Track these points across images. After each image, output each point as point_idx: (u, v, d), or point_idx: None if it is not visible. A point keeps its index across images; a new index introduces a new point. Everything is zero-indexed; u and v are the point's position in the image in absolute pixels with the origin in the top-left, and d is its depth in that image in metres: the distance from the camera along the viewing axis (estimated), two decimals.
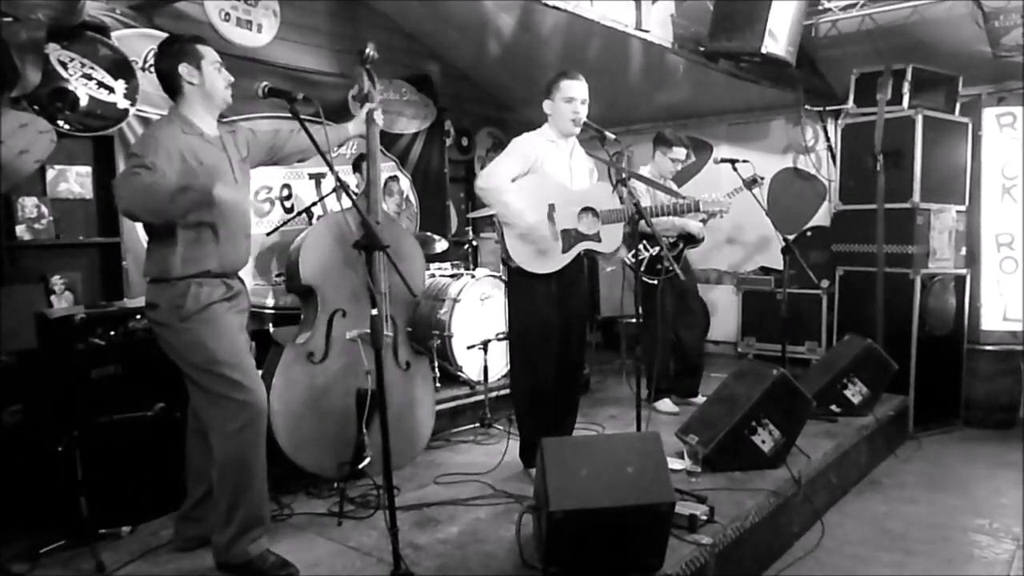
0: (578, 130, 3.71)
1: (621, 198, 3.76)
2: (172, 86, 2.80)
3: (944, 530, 3.84)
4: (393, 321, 3.58)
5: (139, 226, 4.70)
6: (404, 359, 3.72)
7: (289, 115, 3.02)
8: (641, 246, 4.86)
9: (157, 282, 2.74)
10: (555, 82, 3.69)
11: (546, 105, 3.73)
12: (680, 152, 4.97)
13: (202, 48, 2.82)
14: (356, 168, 5.51)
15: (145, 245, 2.86)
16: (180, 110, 2.81)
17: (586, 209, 3.71)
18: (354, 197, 2.85)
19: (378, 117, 3.47)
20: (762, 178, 5.00)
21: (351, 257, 3.43)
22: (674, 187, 5.00)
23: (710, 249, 6.86)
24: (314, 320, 3.45)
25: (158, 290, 2.74)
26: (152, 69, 4.82)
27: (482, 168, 7.71)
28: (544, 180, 3.64)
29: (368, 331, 3.12)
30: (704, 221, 4.95)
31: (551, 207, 3.60)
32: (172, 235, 2.69)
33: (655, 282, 4.82)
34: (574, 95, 3.65)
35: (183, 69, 2.76)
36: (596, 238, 3.73)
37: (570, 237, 3.67)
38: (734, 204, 4.96)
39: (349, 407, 3.45)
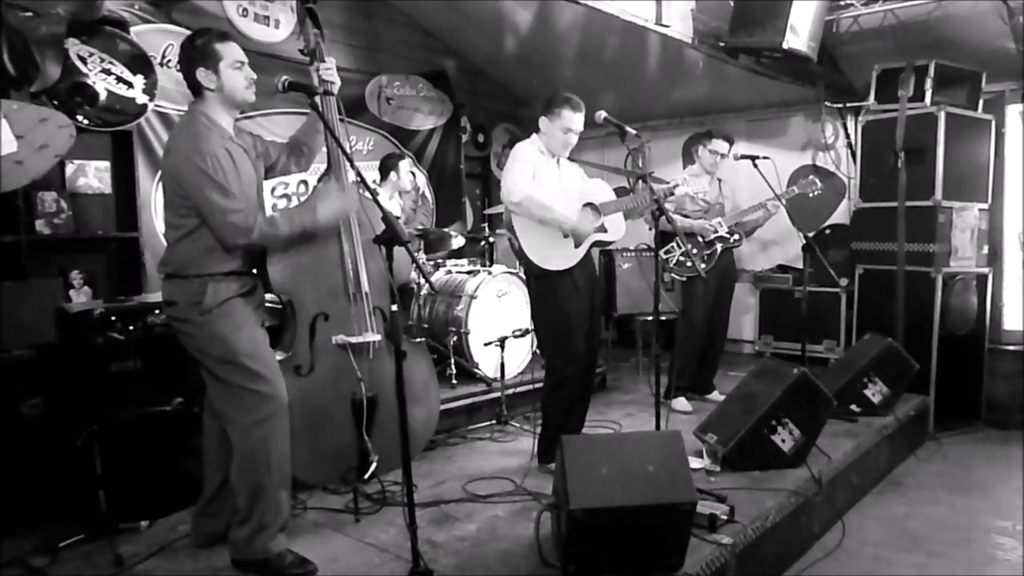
0: (566, 155, 3.80)
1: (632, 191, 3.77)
2: (192, 88, 2.76)
3: (966, 532, 3.79)
4: (381, 313, 3.28)
5: (157, 222, 4.75)
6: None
7: (306, 110, 3.01)
8: (673, 244, 4.87)
9: (173, 278, 2.74)
10: (558, 107, 3.67)
11: (542, 122, 3.73)
12: (720, 144, 4.96)
13: (221, 47, 2.73)
14: (383, 170, 5.38)
15: (163, 240, 2.86)
16: (203, 108, 2.76)
17: (586, 205, 3.78)
18: (376, 193, 2.82)
19: (330, 76, 3.14)
20: (818, 185, 4.97)
21: (323, 252, 3.13)
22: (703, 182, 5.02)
23: None
24: (294, 330, 3.14)
25: (175, 286, 2.73)
26: (170, 64, 4.89)
27: (499, 165, 7.82)
28: (544, 188, 3.65)
29: (359, 338, 3.13)
30: (735, 236, 4.99)
31: None
32: (192, 235, 2.69)
33: (684, 279, 4.87)
34: (572, 128, 3.69)
35: (200, 74, 2.71)
36: (602, 229, 3.81)
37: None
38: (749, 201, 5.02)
39: (346, 416, 3.20)
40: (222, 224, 2.65)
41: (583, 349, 3.74)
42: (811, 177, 4.93)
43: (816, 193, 4.92)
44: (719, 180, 5.12)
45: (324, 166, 3.28)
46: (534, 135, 3.79)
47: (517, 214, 3.61)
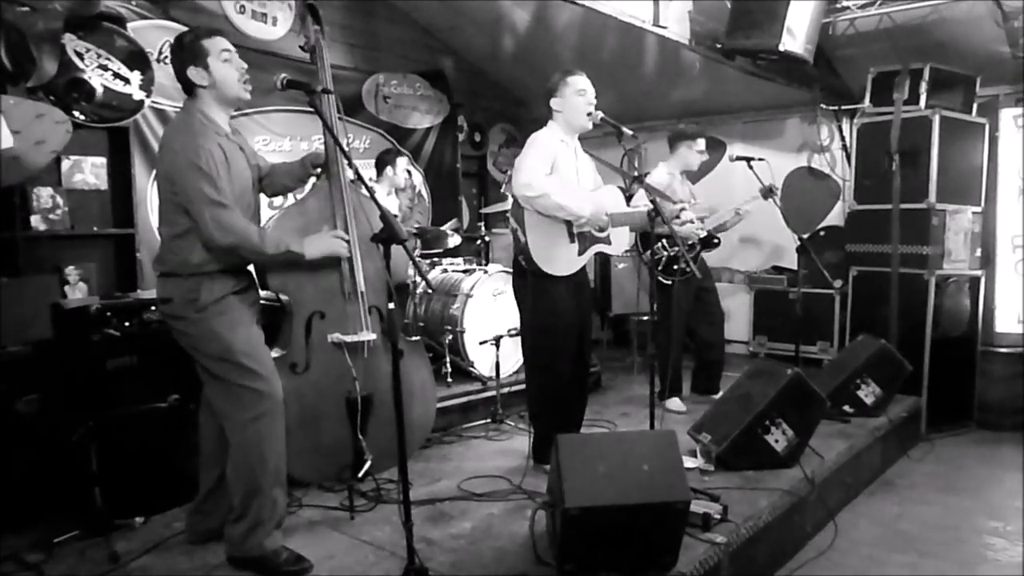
0: (591, 124, 3.65)
1: (630, 196, 3.74)
2: (186, 88, 2.77)
3: (958, 532, 3.82)
4: (377, 312, 3.26)
5: (153, 220, 4.75)
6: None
7: (305, 109, 3.01)
8: (659, 245, 4.84)
9: (168, 276, 2.74)
10: (561, 79, 3.66)
11: (555, 103, 3.67)
12: (704, 143, 4.99)
13: (207, 42, 2.73)
14: (379, 165, 5.39)
15: (159, 237, 2.85)
16: (198, 106, 2.76)
17: None
18: (373, 191, 2.83)
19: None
20: (777, 188, 4.97)
21: None
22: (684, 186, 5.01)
23: (722, 248, 6.83)
24: (290, 328, 3.13)
25: (171, 284, 2.74)
26: (167, 61, 4.88)
27: (495, 164, 7.82)
28: (562, 182, 3.59)
29: (355, 336, 3.12)
30: (715, 239, 4.97)
31: None
32: (187, 232, 2.69)
33: (670, 282, 4.81)
34: (585, 87, 3.64)
35: (191, 72, 2.71)
36: (607, 240, 3.80)
37: (585, 239, 3.71)
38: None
39: (341, 415, 3.18)
40: (204, 215, 2.62)
41: (572, 351, 3.71)
42: (769, 184, 4.90)
43: (775, 200, 4.94)
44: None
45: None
46: (550, 123, 3.71)
47: (529, 209, 3.52)
